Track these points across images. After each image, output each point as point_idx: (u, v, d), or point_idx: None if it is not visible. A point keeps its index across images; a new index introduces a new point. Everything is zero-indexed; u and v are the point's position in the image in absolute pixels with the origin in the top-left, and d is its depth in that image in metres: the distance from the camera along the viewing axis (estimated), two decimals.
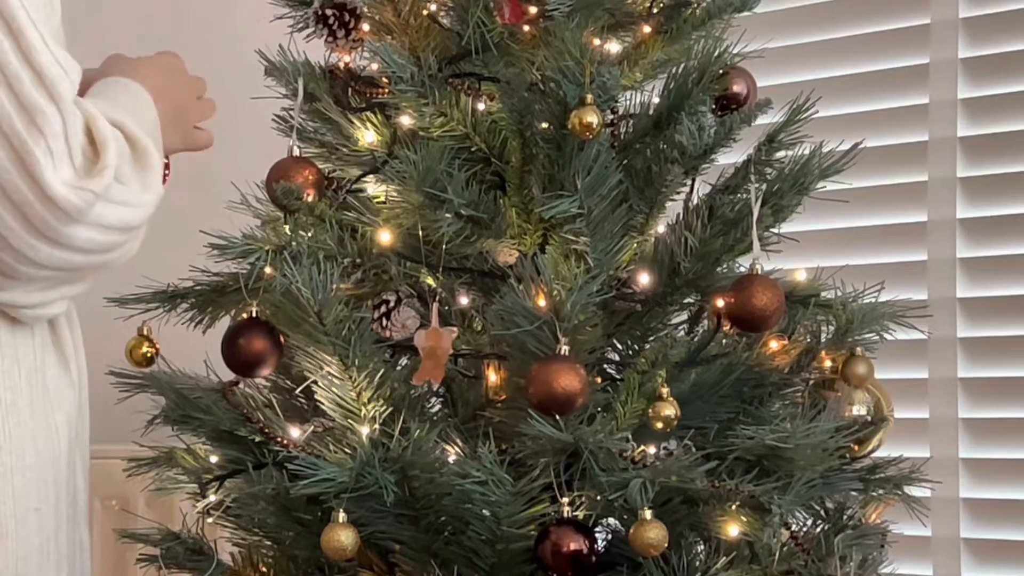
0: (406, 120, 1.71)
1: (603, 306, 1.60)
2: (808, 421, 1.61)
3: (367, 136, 1.75)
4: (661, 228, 1.75)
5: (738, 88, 1.77)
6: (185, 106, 1.52)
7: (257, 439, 1.71)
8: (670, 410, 1.55)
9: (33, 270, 1.24)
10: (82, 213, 1.22)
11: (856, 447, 1.72)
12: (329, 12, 1.75)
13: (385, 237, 1.67)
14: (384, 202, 1.72)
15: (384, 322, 1.72)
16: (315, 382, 1.60)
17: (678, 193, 1.73)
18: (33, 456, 1.31)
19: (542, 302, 1.51)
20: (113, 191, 1.25)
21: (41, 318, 1.33)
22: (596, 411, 1.58)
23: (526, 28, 1.71)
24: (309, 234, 1.71)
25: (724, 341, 1.68)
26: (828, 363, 1.74)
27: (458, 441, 1.64)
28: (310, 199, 1.66)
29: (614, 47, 1.76)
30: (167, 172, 1.52)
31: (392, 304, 1.73)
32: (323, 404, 1.61)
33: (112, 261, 1.31)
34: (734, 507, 1.56)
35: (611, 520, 1.67)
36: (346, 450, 1.56)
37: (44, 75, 1.20)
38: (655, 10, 1.80)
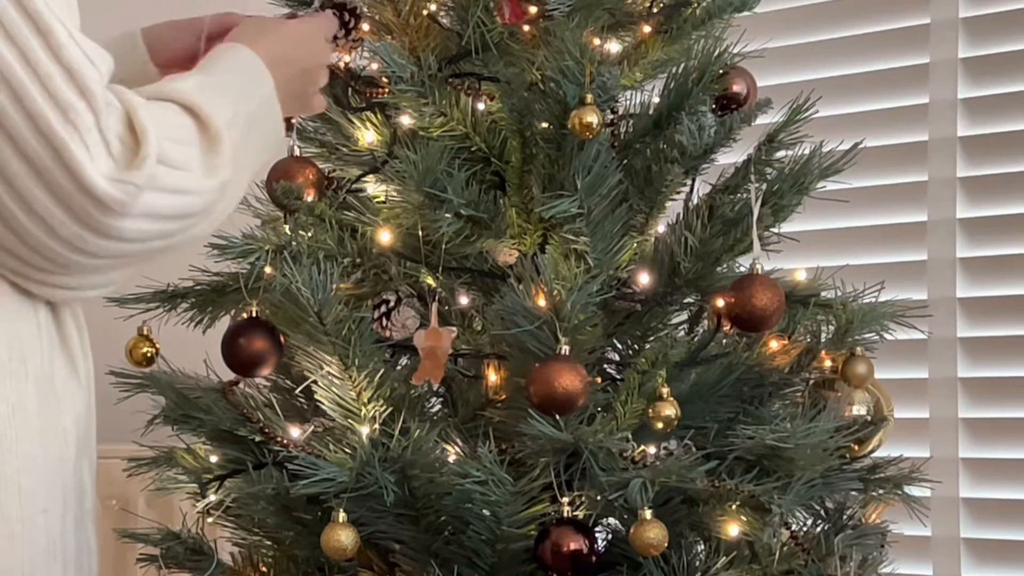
0: (406, 120, 1.71)
1: (603, 306, 1.60)
2: (808, 421, 1.61)
3: (367, 136, 1.75)
4: (661, 228, 1.75)
5: (738, 88, 1.77)
6: (312, 75, 1.52)
7: (257, 439, 1.71)
8: (670, 410, 1.55)
9: (85, 259, 1.25)
10: (125, 206, 1.22)
11: (856, 447, 1.72)
12: (329, 12, 1.75)
13: (385, 237, 1.67)
14: (384, 202, 1.72)
15: (384, 322, 1.72)
16: (315, 382, 1.60)
17: (678, 193, 1.73)
18: (41, 458, 1.31)
19: (542, 302, 1.51)
20: (164, 179, 1.24)
21: (85, 299, 1.34)
22: (596, 411, 1.58)
23: (526, 28, 1.71)
24: (309, 234, 1.71)
25: (724, 341, 1.68)
26: (828, 363, 1.74)
27: (458, 441, 1.65)
28: (310, 199, 1.66)
29: (614, 47, 1.76)
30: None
31: (392, 304, 1.73)
32: (323, 404, 1.61)
33: (178, 243, 1.31)
34: (734, 507, 1.56)
35: (611, 520, 1.67)
36: (346, 450, 1.56)
37: (74, 72, 1.20)
38: (655, 10, 1.80)
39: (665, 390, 1.56)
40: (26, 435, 1.30)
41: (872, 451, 1.75)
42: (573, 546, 1.51)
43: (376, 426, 1.57)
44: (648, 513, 1.48)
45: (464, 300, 1.73)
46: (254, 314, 1.66)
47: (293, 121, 1.68)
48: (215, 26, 1.57)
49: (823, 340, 1.75)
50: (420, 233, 1.66)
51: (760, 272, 1.60)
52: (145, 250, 1.28)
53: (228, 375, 1.72)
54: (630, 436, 1.56)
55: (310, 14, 1.61)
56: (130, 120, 1.23)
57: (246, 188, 1.40)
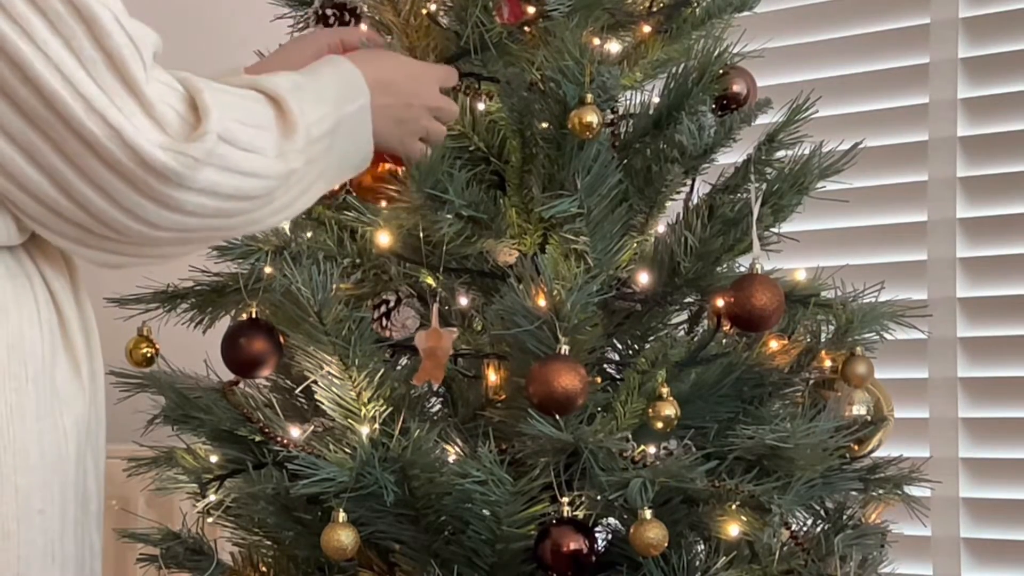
0: None
1: (603, 306, 1.60)
2: (808, 421, 1.61)
3: None
4: (661, 228, 1.75)
5: (738, 88, 1.77)
6: (415, 112, 1.53)
7: (257, 439, 1.71)
8: (670, 410, 1.55)
9: (147, 229, 1.27)
10: (183, 177, 1.24)
11: (856, 447, 1.72)
12: (329, 12, 1.75)
13: (385, 238, 1.67)
14: None
15: (384, 322, 1.72)
16: (315, 382, 1.60)
17: (678, 193, 1.73)
18: (38, 458, 1.31)
19: (542, 302, 1.51)
20: (228, 158, 1.27)
21: (150, 265, 1.37)
22: (596, 411, 1.58)
23: (526, 28, 1.71)
24: (309, 234, 1.71)
25: (724, 341, 1.68)
26: (828, 363, 1.74)
27: (458, 441, 1.65)
28: None
29: (614, 47, 1.76)
30: (393, 167, 1.58)
31: (392, 304, 1.73)
32: (323, 404, 1.61)
33: (236, 227, 1.34)
34: (734, 507, 1.56)
35: (611, 520, 1.67)
36: (346, 450, 1.56)
37: (115, 57, 1.23)
38: (655, 9, 1.80)
39: (665, 390, 1.56)
40: (24, 435, 1.30)
41: (872, 451, 1.75)
42: (573, 546, 1.51)
43: (376, 426, 1.57)
44: (648, 513, 1.48)
45: (464, 300, 1.73)
46: (254, 314, 1.66)
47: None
48: (333, 38, 1.60)
49: (823, 340, 1.75)
50: (420, 233, 1.66)
51: (760, 272, 1.60)
52: (204, 226, 1.30)
53: (228, 375, 1.72)
54: (630, 436, 1.56)
55: (429, 65, 1.61)
56: (192, 100, 1.26)
57: (317, 196, 1.40)
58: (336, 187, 1.52)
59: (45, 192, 1.25)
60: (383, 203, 1.63)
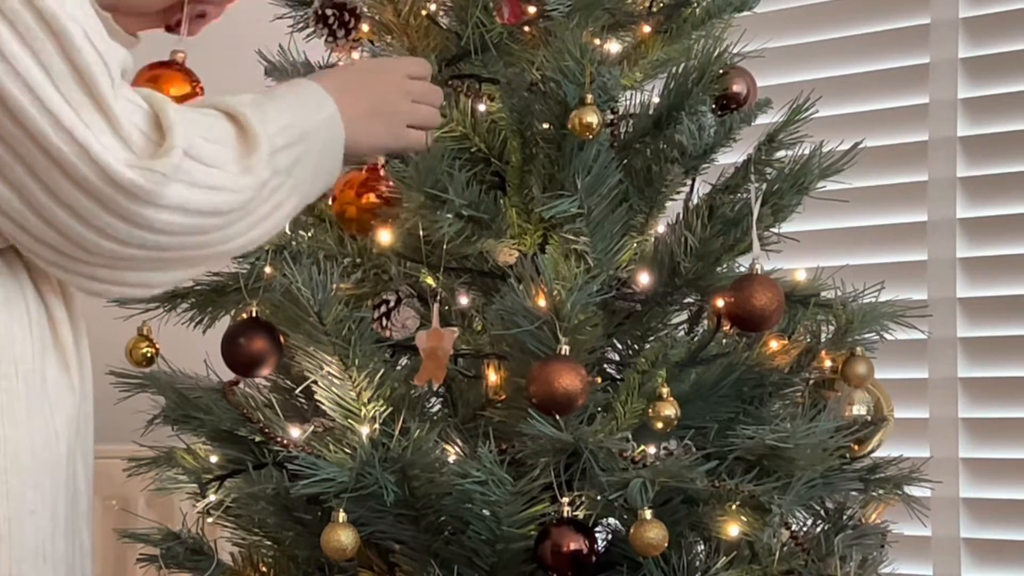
0: None
1: (603, 306, 1.60)
2: (808, 421, 1.61)
3: None
4: (661, 228, 1.75)
5: (738, 88, 1.77)
6: (392, 102, 1.52)
7: (257, 439, 1.71)
8: (670, 410, 1.55)
9: (119, 247, 1.26)
10: (151, 194, 1.24)
11: (856, 447, 1.72)
12: (329, 12, 1.75)
13: (385, 237, 1.67)
14: None
15: (384, 322, 1.72)
16: (315, 382, 1.60)
17: (678, 193, 1.73)
18: (30, 458, 1.31)
19: (542, 302, 1.51)
20: (194, 174, 1.26)
21: (135, 298, 1.36)
22: (596, 411, 1.58)
23: (526, 28, 1.71)
24: (309, 234, 1.71)
25: (724, 341, 1.68)
26: (828, 363, 1.74)
27: (458, 441, 1.65)
28: None
29: (614, 47, 1.76)
30: (377, 172, 1.58)
31: (392, 304, 1.73)
32: (323, 404, 1.61)
33: (211, 244, 1.32)
34: (734, 507, 1.56)
35: (611, 520, 1.67)
36: (346, 450, 1.56)
37: (83, 73, 1.23)
38: (655, 10, 1.80)
39: (665, 390, 1.56)
40: (15, 436, 1.30)
41: (872, 451, 1.75)
42: (573, 546, 1.51)
43: (376, 426, 1.57)
44: (648, 513, 1.48)
45: (464, 300, 1.73)
46: (254, 314, 1.66)
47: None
48: None
49: (823, 340, 1.75)
50: (420, 233, 1.66)
51: (760, 272, 1.60)
52: (177, 244, 1.29)
53: (228, 375, 1.72)
54: (630, 436, 1.56)
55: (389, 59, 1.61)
56: (156, 118, 1.26)
57: (294, 210, 1.40)
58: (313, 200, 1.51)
59: (15, 208, 1.24)
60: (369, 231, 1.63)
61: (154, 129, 1.26)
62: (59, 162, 1.21)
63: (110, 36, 1.48)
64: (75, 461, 1.37)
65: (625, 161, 1.72)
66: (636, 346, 1.73)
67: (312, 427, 1.68)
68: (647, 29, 1.79)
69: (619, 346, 1.74)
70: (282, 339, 1.65)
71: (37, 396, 1.32)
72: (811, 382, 1.75)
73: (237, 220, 1.32)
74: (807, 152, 1.71)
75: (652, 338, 1.73)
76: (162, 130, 1.26)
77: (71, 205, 1.23)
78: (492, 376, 1.69)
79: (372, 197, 1.60)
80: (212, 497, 1.75)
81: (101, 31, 1.27)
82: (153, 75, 1.56)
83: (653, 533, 1.48)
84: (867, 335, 1.75)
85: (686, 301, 1.74)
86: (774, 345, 1.71)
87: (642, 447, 1.55)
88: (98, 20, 1.30)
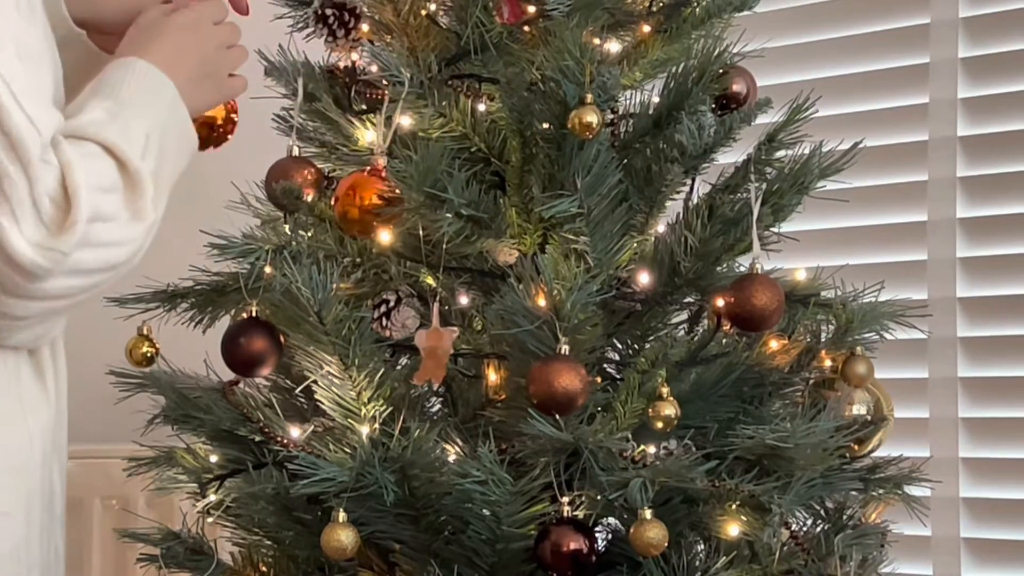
0: (406, 121, 1.71)
1: (603, 306, 1.60)
2: (808, 421, 1.61)
3: (367, 135, 1.75)
4: (661, 227, 1.75)
5: (738, 87, 1.77)
6: (214, 58, 1.48)
7: (257, 439, 1.70)
8: (670, 410, 1.55)
9: (9, 322, 1.25)
10: (50, 272, 1.22)
11: (856, 447, 1.72)
12: (329, 12, 1.75)
13: (385, 237, 1.67)
14: None
15: (384, 322, 1.72)
16: (315, 382, 1.60)
17: (678, 192, 1.73)
18: (3, 460, 1.31)
19: (542, 302, 1.51)
20: (93, 235, 1.24)
21: (37, 345, 1.34)
22: (596, 411, 1.58)
23: (526, 28, 1.71)
24: (309, 234, 1.71)
25: (724, 341, 1.68)
26: (828, 363, 1.74)
27: (458, 441, 1.64)
28: (310, 199, 1.66)
29: (614, 46, 1.76)
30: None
31: (392, 304, 1.73)
32: (323, 404, 1.61)
33: (101, 287, 1.30)
34: (734, 507, 1.56)
35: (611, 520, 1.67)
36: (346, 450, 1.56)
37: (13, 137, 1.19)
38: (655, 9, 1.80)
39: (665, 390, 1.56)
40: None
41: (872, 451, 1.75)
42: (573, 546, 1.51)
43: (376, 426, 1.57)
44: (648, 513, 1.48)
45: (464, 300, 1.73)
46: (254, 314, 1.66)
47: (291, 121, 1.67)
48: None
49: (823, 340, 1.75)
50: (420, 233, 1.66)
51: (760, 272, 1.60)
52: (73, 303, 1.28)
53: (228, 375, 1.72)
54: (630, 436, 1.56)
55: (184, 9, 1.51)
56: (64, 179, 1.22)
57: (167, 196, 1.37)
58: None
59: None
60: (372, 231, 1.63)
61: (62, 193, 1.22)
62: None
63: (85, 56, 1.44)
64: (51, 465, 1.37)
65: (625, 161, 1.72)
66: (636, 346, 1.73)
67: (312, 427, 1.68)
68: (647, 29, 1.79)
69: (619, 346, 1.74)
70: (282, 339, 1.65)
71: (12, 401, 1.31)
72: (811, 382, 1.75)
73: (128, 265, 1.31)
74: (807, 152, 1.71)
75: (652, 338, 1.73)
76: (68, 194, 1.22)
77: None
78: (492, 376, 1.69)
79: (374, 198, 1.60)
80: (212, 497, 1.75)
81: (39, 84, 1.24)
82: None
83: (653, 533, 1.48)
84: (867, 335, 1.75)
85: (686, 301, 1.74)
86: (774, 345, 1.71)
87: (642, 447, 1.55)
88: (43, 68, 1.25)
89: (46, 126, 1.23)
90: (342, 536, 1.52)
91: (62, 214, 1.21)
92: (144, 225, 1.29)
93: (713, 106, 1.76)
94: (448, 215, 1.62)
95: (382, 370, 1.59)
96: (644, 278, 1.66)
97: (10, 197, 1.19)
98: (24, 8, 1.26)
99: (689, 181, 1.75)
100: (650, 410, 1.56)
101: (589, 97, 1.55)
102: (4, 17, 1.23)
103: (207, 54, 1.47)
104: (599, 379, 1.66)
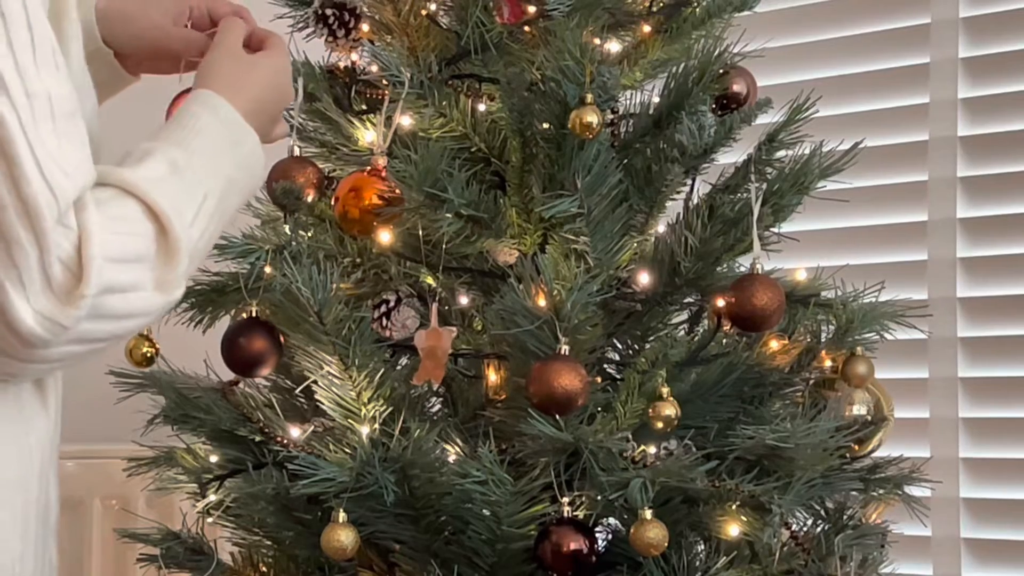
0: (406, 121, 1.71)
1: (603, 306, 1.60)
2: (808, 421, 1.61)
3: (367, 135, 1.75)
4: (661, 228, 1.75)
5: (738, 88, 1.77)
6: (280, 106, 1.45)
7: (257, 439, 1.71)
8: (670, 410, 1.55)
9: (9, 376, 1.25)
10: (49, 343, 1.19)
11: (856, 447, 1.72)
12: (329, 12, 1.75)
13: (385, 237, 1.67)
14: None
15: (384, 322, 1.72)
16: (315, 382, 1.60)
17: (678, 192, 1.73)
18: (2, 474, 1.30)
19: (542, 302, 1.51)
20: (104, 307, 1.19)
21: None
22: (596, 411, 1.58)
23: (526, 28, 1.71)
24: (309, 234, 1.71)
25: (724, 341, 1.68)
26: (828, 363, 1.74)
27: (458, 441, 1.65)
28: (310, 199, 1.66)
29: (614, 47, 1.76)
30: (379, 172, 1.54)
31: (392, 304, 1.73)
32: (323, 404, 1.61)
33: (113, 345, 1.28)
34: (734, 507, 1.56)
35: (611, 520, 1.67)
36: (346, 450, 1.56)
37: (30, 206, 1.16)
38: (655, 9, 1.80)
39: (665, 390, 1.56)
40: None
41: (872, 451, 1.75)
42: (573, 546, 1.51)
43: (376, 426, 1.57)
44: (648, 513, 1.48)
45: (464, 300, 1.73)
46: (254, 314, 1.66)
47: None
48: (200, 14, 1.51)
49: (823, 340, 1.75)
50: (420, 233, 1.66)
51: (760, 272, 1.60)
52: (70, 364, 1.25)
53: (228, 375, 1.72)
54: (630, 436, 1.56)
55: (276, 47, 1.47)
56: (80, 245, 1.18)
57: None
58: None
59: None
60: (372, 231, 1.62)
61: (76, 258, 1.18)
62: None
63: (108, 72, 1.42)
64: (47, 477, 1.37)
65: (625, 161, 1.72)
66: (636, 346, 1.73)
67: (312, 427, 1.68)
68: (647, 29, 1.79)
69: (619, 346, 1.74)
70: (282, 339, 1.65)
71: (13, 415, 1.31)
72: (811, 382, 1.75)
73: (138, 331, 1.29)
74: (807, 152, 1.71)
75: (652, 338, 1.73)
76: (81, 261, 1.18)
77: None
78: (492, 376, 1.69)
79: (374, 198, 1.60)
80: (212, 497, 1.75)
81: (76, 137, 1.20)
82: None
83: (653, 533, 1.48)
84: (867, 335, 1.75)
85: (686, 301, 1.74)
86: (774, 345, 1.71)
87: (642, 447, 1.55)
88: (76, 116, 1.21)
89: (66, 191, 1.18)
90: (342, 536, 1.52)
91: (73, 281, 1.18)
92: (167, 300, 1.25)
93: (713, 106, 1.76)
94: (448, 215, 1.62)
95: (382, 370, 1.59)
96: (644, 278, 1.66)
97: (19, 264, 1.16)
98: (61, 58, 1.22)
99: (689, 181, 1.75)
100: (650, 410, 1.56)
101: (589, 97, 1.55)
102: (44, 72, 1.18)
103: (277, 113, 1.44)
104: (599, 379, 1.66)
